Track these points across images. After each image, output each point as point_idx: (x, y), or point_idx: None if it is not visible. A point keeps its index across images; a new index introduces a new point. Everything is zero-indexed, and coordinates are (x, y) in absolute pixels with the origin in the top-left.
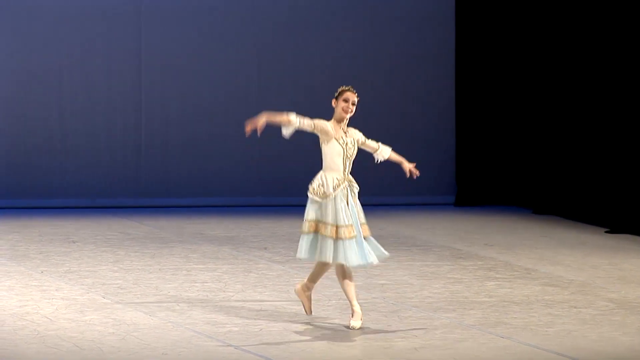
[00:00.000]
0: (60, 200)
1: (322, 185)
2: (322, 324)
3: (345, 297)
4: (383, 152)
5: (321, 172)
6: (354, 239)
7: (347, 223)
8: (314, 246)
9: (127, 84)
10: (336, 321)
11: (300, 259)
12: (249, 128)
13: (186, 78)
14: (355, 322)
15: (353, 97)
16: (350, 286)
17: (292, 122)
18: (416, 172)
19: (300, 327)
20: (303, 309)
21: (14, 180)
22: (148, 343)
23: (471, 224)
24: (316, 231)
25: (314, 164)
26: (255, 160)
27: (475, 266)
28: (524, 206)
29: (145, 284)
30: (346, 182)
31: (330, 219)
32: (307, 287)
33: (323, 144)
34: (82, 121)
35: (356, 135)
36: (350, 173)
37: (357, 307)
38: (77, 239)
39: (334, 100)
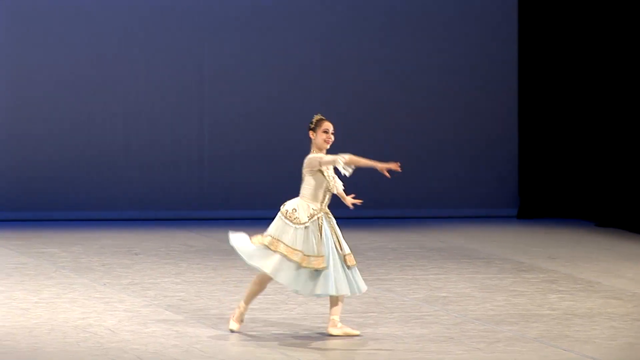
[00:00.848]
0: (123, 212)
1: (296, 211)
2: (384, 339)
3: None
4: (345, 169)
5: (298, 199)
6: (322, 270)
7: (316, 253)
8: (267, 259)
9: (190, 96)
10: (400, 333)
11: (249, 266)
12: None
13: (249, 89)
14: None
15: (330, 126)
16: (340, 307)
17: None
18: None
19: (361, 339)
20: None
21: (77, 192)
22: (211, 355)
23: (534, 237)
24: (276, 249)
25: (382, 176)
26: None
27: (537, 279)
28: (587, 219)
29: (207, 296)
30: (322, 214)
31: (299, 246)
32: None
33: (307, 175)
34: (145, 133)
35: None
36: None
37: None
38: (140, 251)
39: (311, 132)
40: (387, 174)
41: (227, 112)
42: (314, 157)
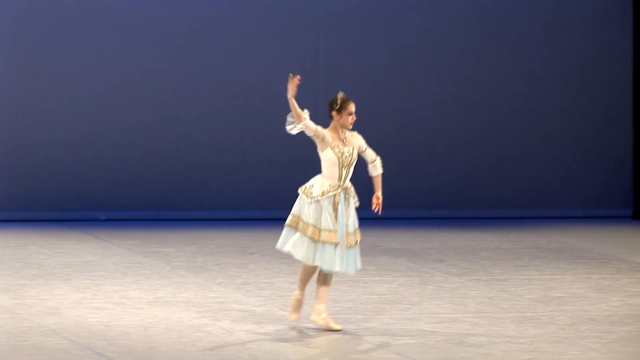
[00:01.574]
0: (237, 212)
1: (312, 187)
2: (498, 339)
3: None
4: (374, 169)
5: (319, 175)
6: (333, 245)
7: (329, 228)
8: (289, 238)
9: (305, 95)
10: (514, 333)
11: (278, 250)
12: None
13: (366, 89)
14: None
15: (354, 107)
16: (326, 290)
17: (303, 118)
18: (377, 208)
19: (477, 340)
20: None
21: (191, 192)
22: (325, 354)
23: None
24: (296, 226)
25: (498, 176)
26: (436, 172)
27: None
28: None
29: None
30: (340, 190)
31: (312, 220)
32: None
33: (320, 151)
34: (260, 132)
35: (357, 142)
36: (351, 180)
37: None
38: (254, 250)
39: (334, 113)
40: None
41: None
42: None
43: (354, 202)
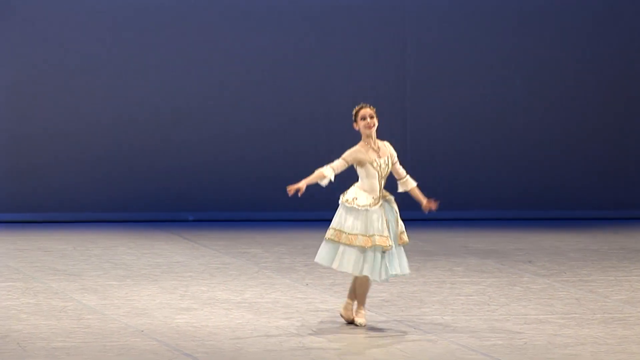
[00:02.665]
0: (326, 212)
1: (356, 199)
2: (585, 340)
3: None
4: (407, 183)
5: (356, 187)
6: (386, 251)
7: (383, 233)
8: (333, 253)
9: (391, 95)
10: (602, 334)
11: (318, 264)
12: (291, 191)
13: (452, 87)
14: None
15: (368, 111)
16: (365, 291)
17: (327, 176)
18: (433, 206)
19: (564, 341)
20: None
21: (279, 192)
22: (412, 355)
23: None
24: (339, 240)
25: (588, 176)
26: (521, 169)
27: None
28: None
29: (409, 297)
30: (381, 201)
31: (358, 230)
32: (349, 305)
33: (358, 167)
34: (347, 130)
35: (389, 150)
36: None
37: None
38: None
39: (354, 124)
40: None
41: (430, 109)
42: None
43: (395, 205)
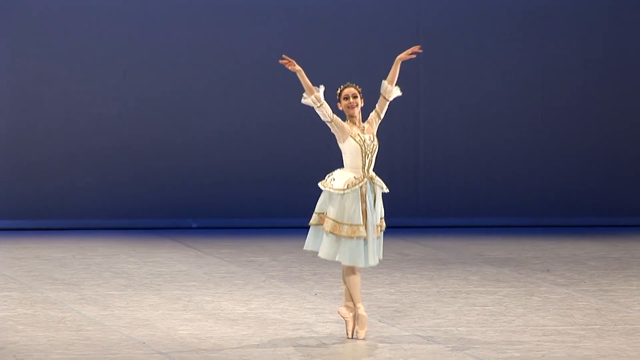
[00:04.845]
0: None
1: (334, 180)
2: (606, 352)
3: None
4: (391, 90)
5: (339, 169)
6: (360, 239)
7: (352, 222)
8: (319, 238)
9: (405, 97)
10: (623, 346)
11: (306, 251)
12: (286, 60)
13: (466, 89)
14: (362, 330)
15: (352, 90)
16: (356, 284)
17: (317, 96)
18: (415, 49)
19: (583, 352)
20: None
21: (287, 199)
22: None
23: None
24: (320, 224)
25: (608, 183)
26: (539, 175)
27: None
28: None
29: (422, 308)
30: (366, 180)
31: (332, 214)
32: (349, 307)
33: (340, 143)
34: None
35: (374, 125)
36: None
37: (362, 310)
38: None
39: (338, 104)
40: (412, 55)
41: (444, 112)
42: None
43: (380, 191)
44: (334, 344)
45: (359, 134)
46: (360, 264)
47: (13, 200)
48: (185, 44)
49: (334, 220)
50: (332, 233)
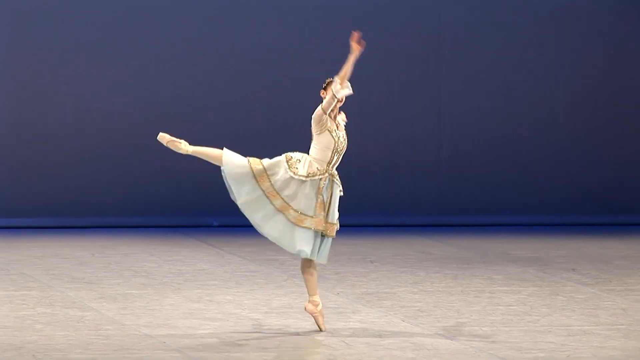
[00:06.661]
0: (358, 217)
1: (299, 162)
2: (633, 353)
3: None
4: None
5: (307, 155)
6: (309, 230)
7: (306, 212)
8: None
9: (427, 95)
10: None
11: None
12: (357, 37)
13: (488, 87)
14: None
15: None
16: (312, 277)
17: (347, 84)
18: (358, 36)
19: (609, 353)
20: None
21: None
22: None
23: None
24: (259, 181)
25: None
26: (564, 172)
27: None
28: None
29: (446, 307)
30: (327, 175)
31: (285, 192)
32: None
33: (316, 134)
34: (381, 134)
35: (341, 125)
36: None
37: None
38: (375, 259)
39: (322, 91)
40: (358, 46)
41: (467, 110)
42: (317, 109)
43: (339, 190)
44: (357, 343)
45: (335, 130)
46: (301, 253)
47: (33, 199)
48: (204, 41)
49: (284, 202)
50: (279, 211)
